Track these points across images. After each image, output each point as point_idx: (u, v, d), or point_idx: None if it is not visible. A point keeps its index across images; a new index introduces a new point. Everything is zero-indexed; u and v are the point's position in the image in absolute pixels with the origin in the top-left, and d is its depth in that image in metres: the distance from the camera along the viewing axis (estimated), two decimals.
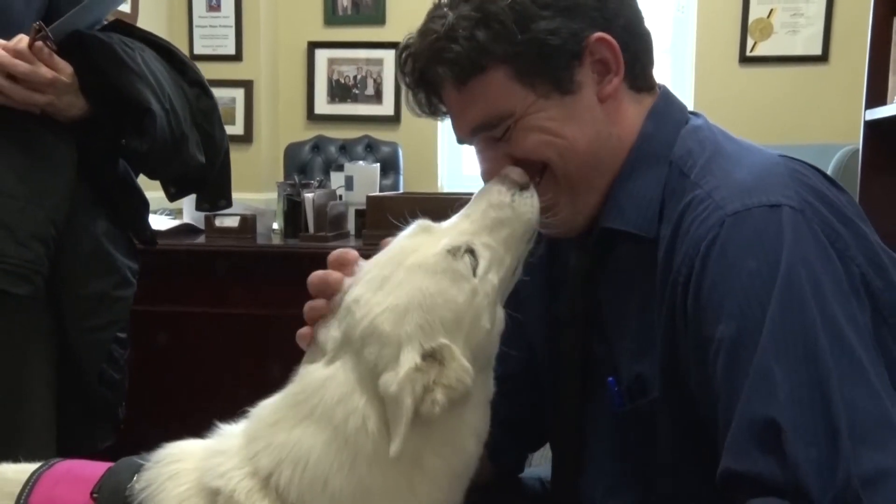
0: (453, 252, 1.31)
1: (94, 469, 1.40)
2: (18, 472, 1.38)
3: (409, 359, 1.23)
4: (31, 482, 1.36)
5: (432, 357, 1.25)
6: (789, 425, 1.11)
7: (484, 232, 1.34)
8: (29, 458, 1.43)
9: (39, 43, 1.92)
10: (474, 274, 1.30)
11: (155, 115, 2.01)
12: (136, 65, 2.04)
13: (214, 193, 2.35)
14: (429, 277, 1.29)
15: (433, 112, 1.52)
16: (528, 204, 1.36)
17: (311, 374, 1.32)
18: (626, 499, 1.46)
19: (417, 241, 1.36)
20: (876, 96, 3.87)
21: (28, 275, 1.95)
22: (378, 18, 5.95)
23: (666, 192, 1.38)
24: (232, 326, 3.21)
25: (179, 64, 2.24)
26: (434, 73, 1.42)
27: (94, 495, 1.33)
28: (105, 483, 1.35)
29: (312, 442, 1.26)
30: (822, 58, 5.48)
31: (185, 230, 3.62)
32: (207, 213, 2.41)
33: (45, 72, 1.94)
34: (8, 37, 1.94)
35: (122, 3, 2.32)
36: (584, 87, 1.40)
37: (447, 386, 1.24)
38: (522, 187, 1.36)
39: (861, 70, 3.99)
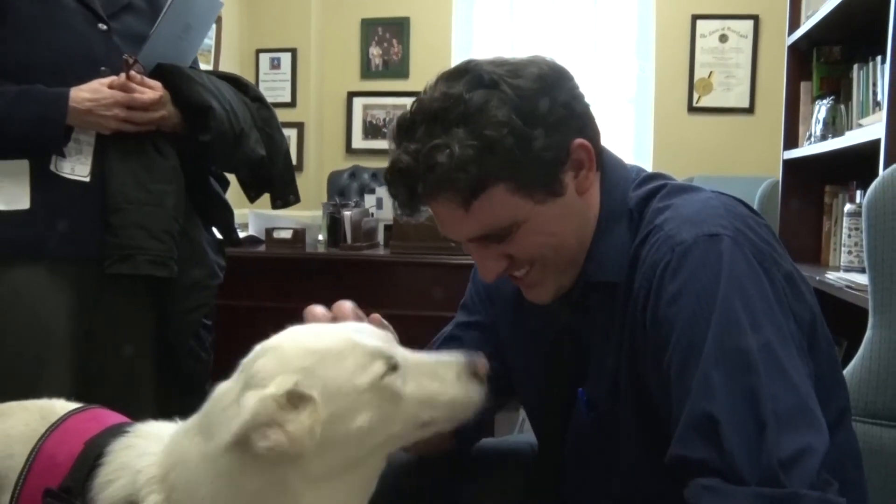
0: (385, 355, 1.12)
1: (109, 420, 1.32)
2: (63, 407, 1.35)
3: (279, 384, 1.05)
4: (65, 418, 1.31)
5: (295, 401, 1.05)
6: (725, 419, 1.10)
7: (423, 375, 1.16)
8: (137, 415, 1.37)
9: (133, 71, 1.96)
10: (382, 378, 1.10)
11: (215, 111, 2.04)
12: (202, 79, 2.09)
13: (283, 191, 2.34)
14: (348, 347, 1.10)
15: (418, 215, 1.33)
16: (475, 396, 1.18)
17: (222, 385, 1.16)
18: (596, 497, 1.42)
19: (374, 332, 1.18)
20: (791, 140, 3.91)
21: (165, 261, 2.02)
22: (403, 73, 5.98)
23: (631, 239, 1.32)
24: (286, 318, 3.21)
25: (242, 86, 2.26)
26: (438, 196, 1.25)
27: (85, 444, 1.24)
28: (96, 438, 1.25)
29: (195, 450, 1.12)
30: (750, 110, 5.49)
31: (251, 241, 3.64)
32: (280, 209, 2.39)
33: (151, 93, 1.97)
34: (94, 75, 1.96)
35: (203, 43, 2.32)
36: (568, 187, 1.30)
37: (287, 433, 1.03)
38: (480, 381, 1.19)
39: (779, 120, 4.02)
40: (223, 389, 1.14)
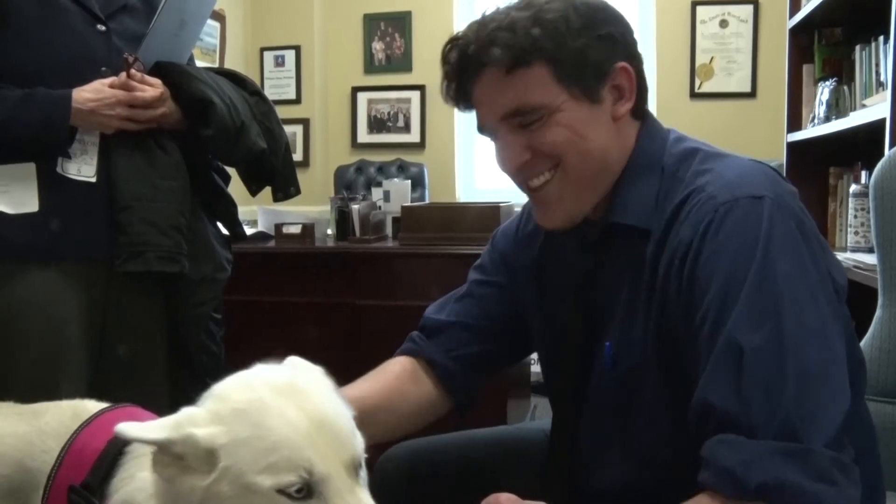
0: (308, 475, 0.97)
1: (142, 418, 1.26)
2: (96, 406, 1.36)
3: (212, 437, 0.97)
4: (97, 415, 1.32)
5: (207, 458, 0.97)
6: (749, 372, 1.12)
7: None
8: (152, 410, 1.37)
9: (133, 70, 1.95)
10: (282, 494, 0.96)
11: (216, 106, 2.03)
12: (201, 75, 2.08)
13: (285, 183, 2.33)
14: (288, 443, 0.97)
15: (459, 99, 1.40)
16: None
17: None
18: (613, 451, 1.41)
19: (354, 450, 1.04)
20: (794, 123, 3.88)
21: (175, 257, 2.02)
22: (406, 67, 5.95)
23: (660, 192, 1.33)
24: (296, 311, 3.23)
25: (240, 81, 2.26)
26: (488, 54, 1.30)
27: (108, 441, 1.24)
28: (119, 438, 1.16)
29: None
30: (752, 94, 5.46)
31: (260, 237, 3.64)
32: (282, 201, 2.38)
33: (152, 91, 1.97)
34: (95, 76, 1.95)
35: (196, 43, 2.31)
36: (604, 103, 1.34)
37: (180, 478, 0.99)
38: None
39: (782, 104, 4.00)
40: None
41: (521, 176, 1.38)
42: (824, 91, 3.47)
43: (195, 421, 0.99)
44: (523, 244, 1.58)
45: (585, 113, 1.32)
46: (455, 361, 1.60)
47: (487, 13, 1.35)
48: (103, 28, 2.01)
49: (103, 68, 1.98)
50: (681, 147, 1.38)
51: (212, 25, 5.16)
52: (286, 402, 1.01)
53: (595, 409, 1.44)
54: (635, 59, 1.37)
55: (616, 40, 1.34)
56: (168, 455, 0.99)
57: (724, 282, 1.18)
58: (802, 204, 1.30)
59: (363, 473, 1.04)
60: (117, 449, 1.23)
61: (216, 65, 5.17)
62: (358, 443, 1.04)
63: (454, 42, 1.36)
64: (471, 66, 1.34)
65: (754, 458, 1.09)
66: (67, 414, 1.33)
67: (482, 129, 1.40)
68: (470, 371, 1.61)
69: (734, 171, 1.29)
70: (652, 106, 1.48)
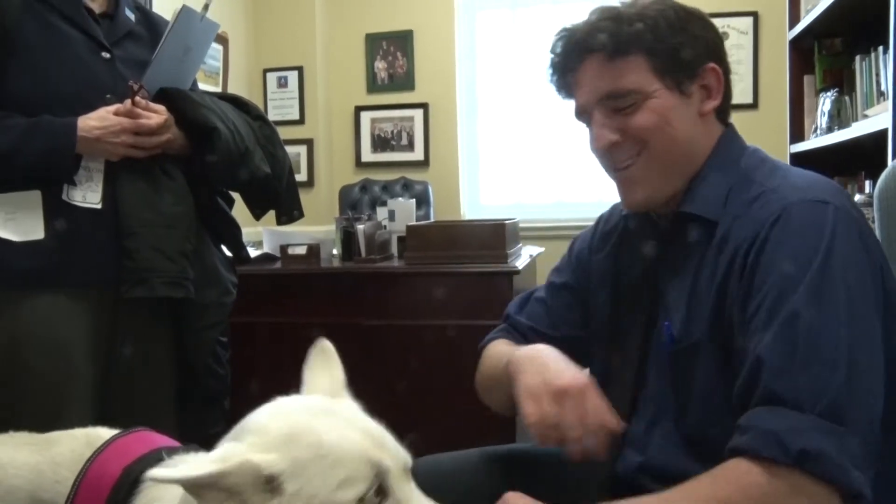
0: (381, 477, 0.99)
1: (156, 442, 1.30)
2: (109, 433, 1.33)
3: (269, 463, 0.94)
4: (110, 441, 1.30)
5: (269, 487, 0.94)
6: (801, 354, 1.21)
7: None
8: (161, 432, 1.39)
9: (138, 97, 1.96)
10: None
11: (220, 131, 2.04)
12: (205, 101, 2.09)
13: (288, 207, 2.35)
14: (351, 456, 0.97)
15: (560, 86, 1.54)
16: None
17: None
18: (664, 427, 1.46)
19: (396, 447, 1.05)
20: (796, 134, 3.88)
21: (181, 282, 2.02)
22: (408, 86, 5.96)
23: (731, 190, 1.41)
24: (302, 332, 3.20)
25: (244, 105, 2.27)
26: (595, 39, 1.43)
27: (123, 469, 1.22)
28: (135, 464, 1.22)
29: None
30: (754, 105, 5.45)
31: (266, 258, 3.64)
32: (286, 225, 2.40)
33: (157, 118, 1.97)
34: (100, 103, 1.96)
35: (201, 66, 2.33)
36: (692, 97, 1.45)
37: (239, 500, 0.93)
38: None
39: (784, 115, 4.00)
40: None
41: (609, 157, 1.49)
42: (826, 101, 3.47)
43: (243, 452, 0.94)
44: (599, 243, 1.69)
45: (675, 103, 1.44)
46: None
47: (597, 8, 1.49)
48: (108, 55, 2.02)
49: (108, 95, 1.99)
50: (757, 156, 1.48)
51: (215, 48, 5.18)
52: (329, 421, 1.01)
53: (652, 387, 1.51)
54: (724, 64, 1.49)
55: (708, 44, 1.46)
56: (218, 491, 0.92)
57: (786, 272, 1.26)
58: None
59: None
60: (134, 476, 1.21)
61: (220, 87, 5.19)
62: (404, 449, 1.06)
63: (562, 34, 1.50)
64: (577, 51, 1.47)
65: (799, 427, 1.16)
66: (81, 442, 1.32)
67: (579, 114, 1.53)
68: None
69: (803, 178, 1.39)
70: None
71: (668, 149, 1.44)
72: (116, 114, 1.94)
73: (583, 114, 1.52)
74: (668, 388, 1.45)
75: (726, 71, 1.49)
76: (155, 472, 0.91)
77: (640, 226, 1.58)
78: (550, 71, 1.54)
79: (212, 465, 0.91)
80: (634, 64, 1.42)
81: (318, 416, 1.02)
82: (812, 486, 1.15)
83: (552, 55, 1.53)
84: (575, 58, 1.48)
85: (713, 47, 1.47)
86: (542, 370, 1.41)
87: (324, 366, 1.18)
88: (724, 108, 1.50)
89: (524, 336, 1.71)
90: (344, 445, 0.98)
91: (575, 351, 1.62)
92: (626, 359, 1.56)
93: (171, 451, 1.26)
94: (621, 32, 1.42)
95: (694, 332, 1.40)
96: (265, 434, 0.98)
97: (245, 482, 0.92)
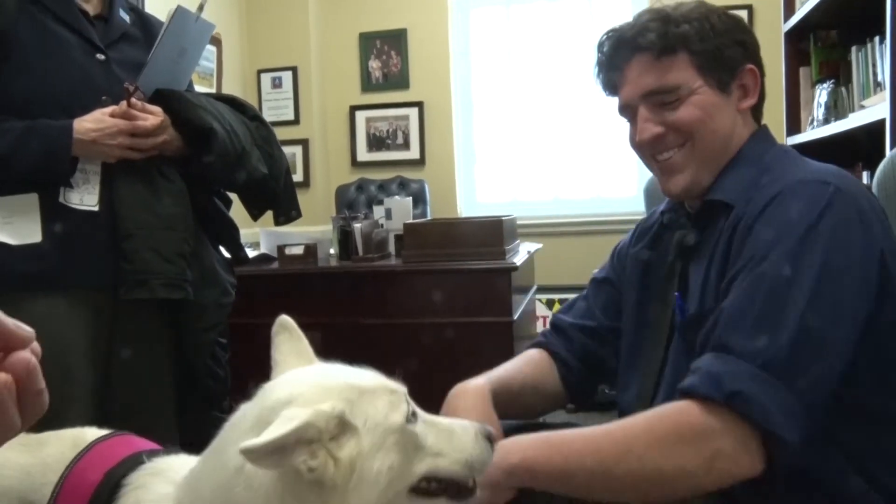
0: (407, 401, 1.10)
1: (137, 446, 1.31)
2: (94, 435, 1.34)
3: (332, 406, 0.99)
4: (91, 445, 1.30)
5: (342, 428, 1.00)
6: (757, 315, 1.31)
7: (441, 432, 1.13)
8: (160, 436, 1.40)
9: (134, 99, 1.96)
10: (407, 422, 1.07)
11: (217, 132, 2.04)
12: (201, 102, 2.09)
13: (286, 207, 2.35)
14: (381, 387, 1.08)
15: (606, 84, 1.63)
16: (488, 457, 1.16)
17: (234, 415, 1.11)
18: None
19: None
20: (793, 126, 3.88)
21: (180, 283, 2.02)
22: (403, 84, 5.96)
23: (753, 179, 1.49)
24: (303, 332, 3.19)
25: (240, 106, 2.27)
26: (644, 38, 1.53)
27: (105, 474, 1.23)
28: (115, 469, 1.23)
29: (209, 481, 1.07)
30: None
31: (263, 259, 3.64)
32: (283, 225, 2.40)
33: (153, 119, 1.97)
34: (96, 105, 1.96)
35: (196, 68, 2.32)
36: (731, 95, 1.55)
37: (333, 458, 0.98)
38: (492, 441, 1.17)
39: (780, 107, 3.99)
40: (237, 419, 1.09)
41: (650, 150, 1.58)
42: (822, 93, 3.47)
43: (312, 403, 0.99)
44: (636, 239, 1.78)
45: (716, 100, 1.53)
46: (574, 357, 1.77)
47: (645, 10, 1.59)
48: (103, 57, 2.02)
49: (104, 97, 1.99)
50: (784, 151, 1.58)
51: (209, 49, 5.18)
52: (337, 370, 1.11)
53: (669, 368, 1.57)
54: (760, 66, 1.59)
55: (747, 47, 1.56)
56: (302, 446, 0.95)
57: (768, 239, 1.35)
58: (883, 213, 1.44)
59: None
60: (115, 481, 1.22)
61: (213, 88, 5.18)
62: None
63: (609, 34, 1.61)
64: (626, 49, 1.56)
65: (738, 372, 1.27)
66: (67, 444, 1.32)
67: (623, 109, 1.62)
68: (585, 369, 1.76)
69: (818, 167, 1.47)
70: None
71: (710, 140, 1.53)
72: (112, 116, 1.94)
73: (626, 109, 1.61)
74: (684, 366, 1.47)
75: (762, 73, 1.58)
76: (246, 444, 0.91)
77: (675, 219, 1.67)
78: (597, 69, 1.64)
79: (293, 422, 0.93)
80: (680, 62, 1.52)
81: (326, 371, 1.12)
82: (740, 428, 1.26)
83: (599, 54, 1.63)
84: (623, 56, 1.57)
85: (751, 50, 1.57)
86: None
87: (290, 342, 1.22)
88: (759, 107, 1.61)
89: (564, 333, 1.79)
90: (368, 381, 1.08)
91: (612, 341, 1.76)
92: (653, 345, 1.63)
93: (153, 455, 1.27)
94: (669, 33, 1.52)
95: (703, 307, 1.48)
96: (300, 396, 1.02)
97: (324, 428, 0.96)
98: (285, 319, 1.24)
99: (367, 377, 1.09)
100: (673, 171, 1.57)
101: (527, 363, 1.78)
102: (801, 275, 1.31)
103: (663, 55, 1.52)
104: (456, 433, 1.14)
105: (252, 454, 0.92)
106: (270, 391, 1.07)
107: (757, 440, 1.26)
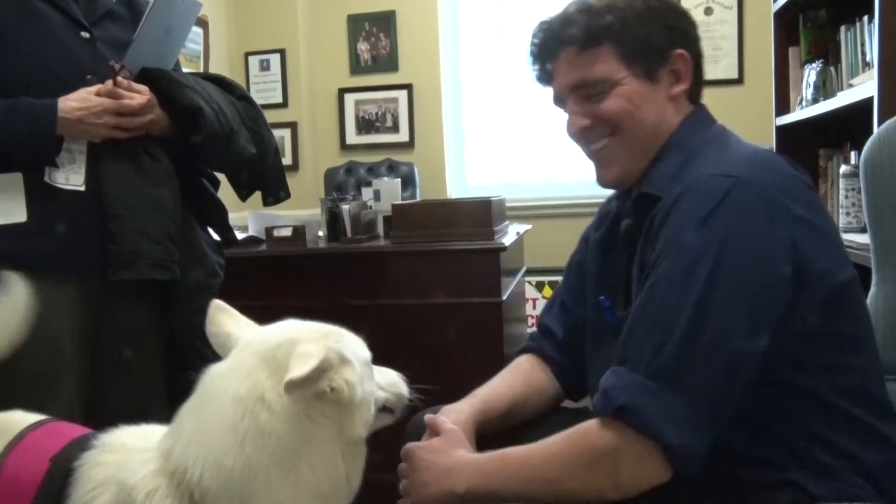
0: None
1: (69, 434, 1.32)
2: (20, 421, 1.34)
3: (332, 344, 1.21)
4: (22, 435, 1.30)
5: (341, 360, 1.20)
6: (653, 314, 1.34)
7: (382, 373, 1.39)
8: (151, 417, 1.40)
9: (119, 77, 1.94)
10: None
11: (204, 112, 2.03)
12: (188, 81, 2.08)
13: (275, 188, 2.34)
14: (348, 335, 1.30)
15: (541, 77, 1.63)
16: (405, 388, 1.41)
17: (214, 368, 1.28)
18: None
19: None
20: (782, 106, 3.89)
21: (167, 264, 2.02)
22: (392, 67, 5.95)
23: (679, 169, 1.47)
24: (290, 314, 3.19)
25: (228, 86, 2.25)
26: (567, 33, 1.53)
27: (50, 461, 1.24)
28: (61, 454, 1.25)
29: (217, 419, 1.18)
30: (739, 80, 5.46)
31: (251, 241, 3.63)
32: (272, 206, 2.39)
33: (140, 98, 1.96)
34: (81, 84, 1.95)
35: (182, 48, 2.30)
36: (661, 83, 1.53)
37: (344, 381, 1.19)
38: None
39: (769, 88, 4.00)
40: (223, 369, 1.26)
41: (583, 139, 1.59)
42: (811, 73, 3.48)
43: (313, 343, 1.20)
44: (597, 222, 1.78)
45: (643, 89, 1.52)
46: (563, 355, 1.78)
47: (573, 2, 1.58)
48: (87, 35, 2.00)
49: (89, 76, 1.97)
50: (714, 134, 1.55)
51: (195, 31, 5.15)
52: (312, 322, 1.33)
53: (601, 358, 1.59)
54: (693, 49, 1.56)
55: (677, 30, 1.54)
56: (324, 375, 1.17)
57: (664, 243, 1.37)
58: (803, 192, 1.41)
59: None
60: (64, 469, 1.22)
61: (201, 71, 5.15)
62: None
63: (541, 26, 1.61)
64: (552, 42, 1.57)
65: (626, 385, 1.32)
66: None
67: (556, 101, 1.62)
68: (577, 364, 1.74)
69: (724, 155, 1.46)
70: None
71: (637, 130, 1.52)
72: (98, 94, 1.93)
73: (559, 101, 1.62)
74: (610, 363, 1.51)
75: (696, 55, 1.56)
76: (291, 376, 1.12)
77: (622, 206, 1.67)
78: (530, 60, 1.64)
79: (314, 356, 1.15)
80: (604, 54, 1.51)
81: (302, 323, 1.33)
82: (637, 441, 1.30)
83: (531, 46, 1.63)
84: (550, 49, 1.58)
85: (682, 34, 1.55)
86: None
87: (230, 319, 1.39)
88: (697, 89, 1.58)
89: (550, 332, 1.81)
90: (335, 328, 1.29)
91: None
92: (604, 340, 1.63)
93: (94, 436, 1.29)
94: (591, 25, 1.51)
95: (624, 306, 1.51)
96: (303, 338, 1.23)
97: (334, 359, 1.18)
98: (219, 302, 1.42)
99: (335, 327, 1.30)
100: (604, 161, 1.58)
101: (515, 375, 1.78)
102: (688, 278, 1.32)
103: (587, 48, 1.52)
104: (389, 374, 1.40)
105: (294, 384, 1.12)
106: (262, 340, 1.26)
107: (657, 448, 1.29)
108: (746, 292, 1.32)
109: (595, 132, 1.56)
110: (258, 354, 1.22)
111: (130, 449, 1.24)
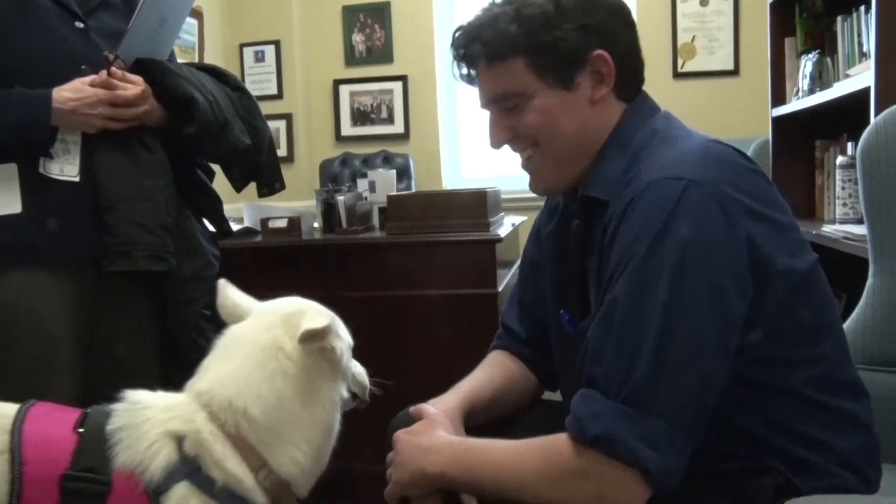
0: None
1: (68, 411, 1.39)
2: (11, 406, 1.35)
3: (332, 318, 1.43)
4: (22, 415, 1.32)
5: (335, 331, 1.42)
6: (613, 346, 1.29)
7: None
8: None
9: (114, 68, 1.93)
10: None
11: (199, 102, 2.02)
12: (182, 72, 2.07)
13: (269, 178, 2.33)
14: (336, 318, 1.48)
15: (468, 80, 1.56)
16: (367, 380, 1.57)
17: (235, 328, 1.48)
18: None
19: None
20: (778, 97, 3.89)
21: (162, 255, 2.01)
22: (387, 58, 5.95)
23: (626, 170, 1.41)
24: None
25: (222, 76, 2.25)
26: (473, 49, 1.47)
27: (80, 430, 1.31)
28: (89, 421, 1.33)
29: (243, 366, 1.39)
30: (735, 71, 5.47)
31: (246, 232, 3.62)
32: (267, 196, 2.39)
33: (134, 89, 1.95)
34: (75, 75, 1.94)
35: (177, 40, 2.30)
36: (581, 88, 1.45)
37: (339, 346, 1.41)
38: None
39: (765, 79, 4.00)
40: (242, 331, 1.46)
41: (512, 148, 1.55)
42: (807, 64, 3.47)
43: (320, 315, 1.42)
44: (546, 217, 1.74)
45: (559, 100, 1.45)
46: (531, 349, 1.75)
47: (485, 6, 1.50)
48: (81, 25, 1.99)
49: (83, 66, 1.96)
50: (654, 127, 1.46)
51: (190, 22, 5.14)
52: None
53: (562, 370, 1.60)
54: (614, 47, 1.45)
55: (594, 30, 1.43)
56: (328, 334, 1.38)
57: (619, 257, 1.31)
58: (760, 185, 1.37)
59: None
60: (97, 430, 1.30)
61: (196, 62, 5.14)
62: None
63: (460, 30, 1.53)
64: (464, 59, 1.52)
65: (600, 412, 1.27)
66: None
67: (483, 107, 1.57)
68: (546, 356, 1.72)
69: (673, 154, 1.37)
70: None
71: (557, 142, 1.47)
72: (92, 85, 1.92)
73: (484, 107, 1.57)
74: (572, 375, 1.49)
75: (619, 52, 1.46)
76: (308, 327, 1.36)
77: (569, 204, 1.62)
78: (455, 67, 1.58)
79: (323, 317, 1.40)
80: (513, 67, 1.44)
81: (301, 299, 1.51)
82: (615, 468, 1.26)
83: (452, 51, 1.57)
84: (466, 63, 1.53)
85: (600, 32, 1.44)
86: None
87: (237, 293, 1.54)
88: (623, 88, 1.49)
89: (512, 331, 1.80)
90: (331, 314, 1.47)
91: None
92: (569, 348, 1.59)
93: (109, 404, 1.38)
94: (495, 39, 1.44)
95: (583, 316, 1.49)
96: (309, 309, 1.45)
97: (334, 327, 1.41)
98: (223, 282, 1.57)
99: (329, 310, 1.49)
100: (533, 171, 1.55)
101: (493, 367, 1.76)
102: (649, 295, 1.26)
103: (494, 63, 1.46)
104: (358, 366, 1.56)
105: (309, 334, 1.35)
106: (276, 308, 1.47)
107: (636, 472, 1.26)
108: (710, 302, 1.27)
109: (518, 144, 1.52)
110: (275, 316, 1.44)
111: (163, 405, 1.36)
